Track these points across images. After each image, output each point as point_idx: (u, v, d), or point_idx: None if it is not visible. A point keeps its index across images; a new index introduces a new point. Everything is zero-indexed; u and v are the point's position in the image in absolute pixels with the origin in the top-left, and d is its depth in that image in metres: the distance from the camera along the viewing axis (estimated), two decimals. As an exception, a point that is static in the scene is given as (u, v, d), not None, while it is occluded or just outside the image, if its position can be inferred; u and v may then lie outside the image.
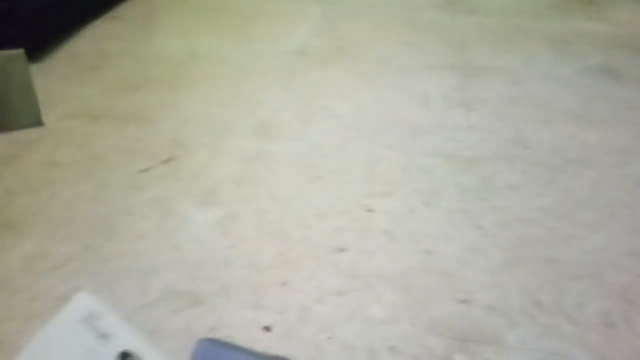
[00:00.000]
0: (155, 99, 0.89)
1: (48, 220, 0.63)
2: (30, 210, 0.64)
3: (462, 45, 1.15)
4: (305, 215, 0.65)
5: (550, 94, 0.96)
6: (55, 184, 0.69)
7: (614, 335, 0.50)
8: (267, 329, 0.50)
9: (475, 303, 0.53)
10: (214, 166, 0.73)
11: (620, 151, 0.79)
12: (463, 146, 0.79)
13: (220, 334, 0.49)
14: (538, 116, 0.88)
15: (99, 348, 0.40)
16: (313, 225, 0.64)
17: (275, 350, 0.48)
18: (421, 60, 1.07)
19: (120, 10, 1.24)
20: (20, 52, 0.69)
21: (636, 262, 0.59)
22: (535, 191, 0.70)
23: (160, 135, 0.79)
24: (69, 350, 0.41)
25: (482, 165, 0.75)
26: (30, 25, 0.96)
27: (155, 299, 0.53)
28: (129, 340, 0.40)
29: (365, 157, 0.77)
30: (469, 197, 0.69)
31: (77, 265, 0.57)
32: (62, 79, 0.94)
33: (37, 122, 0.72)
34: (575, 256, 0.59)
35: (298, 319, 0.51)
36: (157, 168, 0.72)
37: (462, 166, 0.75)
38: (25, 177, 0.70)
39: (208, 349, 0.35)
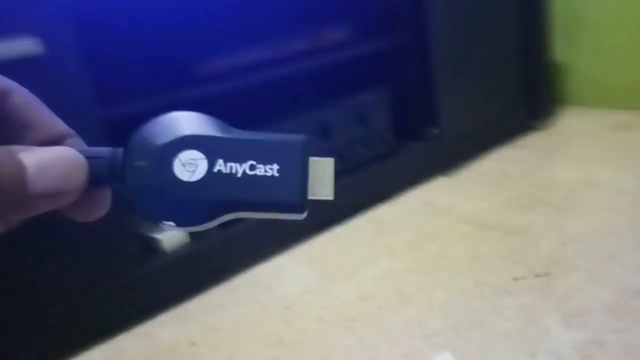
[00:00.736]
0: (541, 219, 0.95)
1: (430, 297, 0.76)
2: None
3: None
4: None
5: None
6: (439, 271, 0.83)
7: None
8: None
9: None
10: (588, 290, 0.72)
11: None
12: None
13: None
14: None
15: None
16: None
17: None
18: None
19: (526, 140, 1.36)
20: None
21: None
22: None
23: (538, 251, 0.84)
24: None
25: None
26: (449, 146, 1.19)
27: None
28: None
29: None
30: None
31: (442, 339, 0.67)
32: (463, 191, 1.12)
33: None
34: None
35: None
36: (529, 279, 0.77)
37: None
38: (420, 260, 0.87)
39: None
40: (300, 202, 0.21)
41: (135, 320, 0.79)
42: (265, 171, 0.21)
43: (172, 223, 0.21)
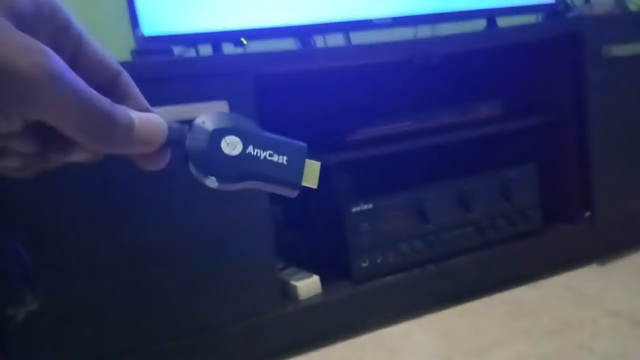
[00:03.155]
0: None
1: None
2: None
3: None
4: None
5: None
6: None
7: None
8: None
9: None
10: None
11: None
12: None
13: None
14: None
15: None
16: None
17: None
18: None
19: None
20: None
21: None
22: None
23: None
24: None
25: None
26: (602, 233, 1.11)
27: None
28: None
29: None
30: None
31: None
32: (615, 282, 1.02)
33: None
34: None
35: None
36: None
37: None
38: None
39: None
40: (298, 183, 0.31)
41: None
42: (279, 159, 0.31)
43: (214, 178, 0.29)
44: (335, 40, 1.22)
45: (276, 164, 0.30)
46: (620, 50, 1.06)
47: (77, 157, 0.28)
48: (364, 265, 0.94)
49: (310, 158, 0.31)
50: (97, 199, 0.74)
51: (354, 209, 0.92)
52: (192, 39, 0.95)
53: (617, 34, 1.07)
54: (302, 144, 0.32)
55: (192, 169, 0.30)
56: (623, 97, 1.09)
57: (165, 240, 0.78)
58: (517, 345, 0.84)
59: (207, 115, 0.30)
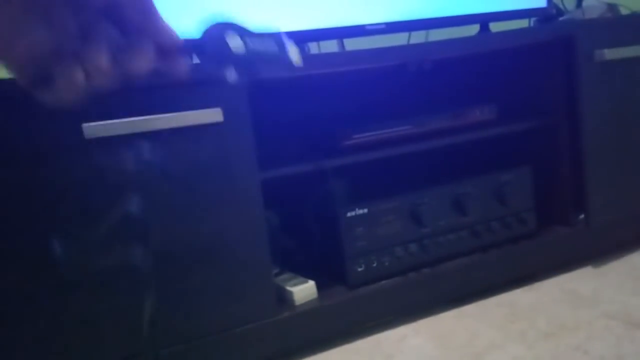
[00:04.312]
0: None
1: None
2: None
3: None
4: None
5: None
6: (578, 369, 0.76)
7: None
8: None
9: None
10: None
11: None
12: None
13: None
14: None
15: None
16: None
17: None
18: None
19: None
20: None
21: None
22: None
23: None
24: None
25: None
26: (596, 234, 1.11)
27: None
28: None
29: None
30: None
31: None
32: (610, 283, 1.03)
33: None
34: None
35: None
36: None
37: None
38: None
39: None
40: (291, 61, 0.41)
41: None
42: (271, 47, 0.40)
43: (232, 72, 0.37)
44: (329, 46, 1.22)
45: (272, 51, 0.39)
46: (612, 53, 1.07)
47: (139, 61, 0.34)
48: (359, 269, 0.94)
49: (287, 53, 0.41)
50: (90, 206, 0.74)
51: (349, 214, 0.92)
52: (186, 47, 0.95)
53: (609, 38, 1.08)
54: (279, 32, 0.41)
55: (213, 69, 0.37)
56: (615, 100, 1.09)
57: (158, 246, 0.78)
58: (512, 348, 0.84)
59: (210, 27, 0.38)
